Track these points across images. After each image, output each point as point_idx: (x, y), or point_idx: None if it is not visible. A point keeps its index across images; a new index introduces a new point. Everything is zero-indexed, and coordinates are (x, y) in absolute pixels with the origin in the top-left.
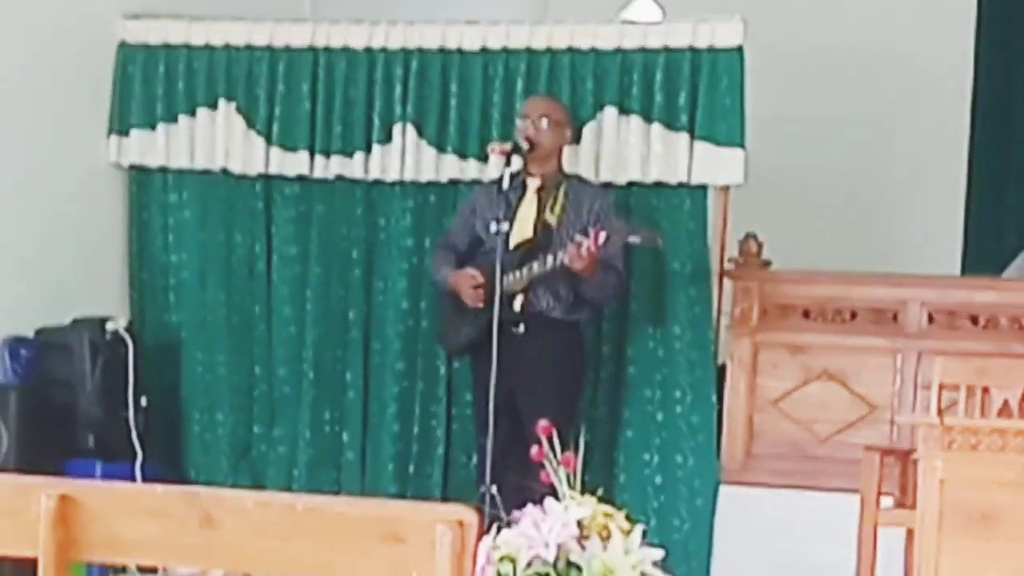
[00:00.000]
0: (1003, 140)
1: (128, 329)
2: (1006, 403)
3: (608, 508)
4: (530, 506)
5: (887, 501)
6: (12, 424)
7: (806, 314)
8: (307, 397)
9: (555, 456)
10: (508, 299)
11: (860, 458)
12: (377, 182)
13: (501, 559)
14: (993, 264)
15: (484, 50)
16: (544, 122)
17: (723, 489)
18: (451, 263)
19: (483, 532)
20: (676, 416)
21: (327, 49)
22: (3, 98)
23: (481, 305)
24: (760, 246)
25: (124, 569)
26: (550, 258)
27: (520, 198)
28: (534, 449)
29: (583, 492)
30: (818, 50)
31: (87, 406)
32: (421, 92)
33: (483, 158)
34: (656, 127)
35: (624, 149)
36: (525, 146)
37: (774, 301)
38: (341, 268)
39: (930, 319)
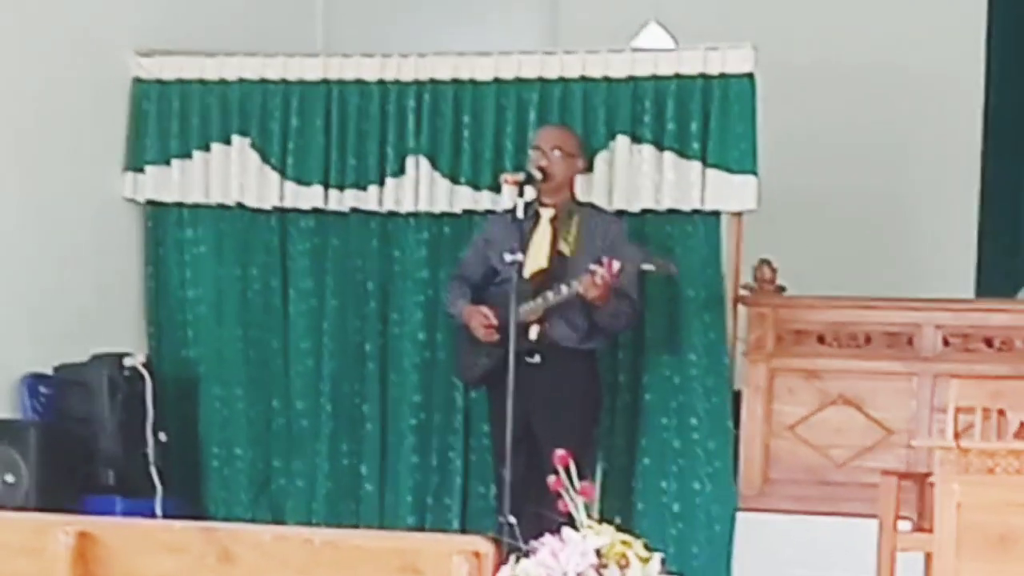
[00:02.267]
0: (1016, 162)
1: (146, 365)
2: (1022, 425)
3: (626, 536)
4: (548, 535)
5: (905, 525)
6: (32, 461)
7: (821, 339)
8: (325, 430)
9: (573, 485)
10: (523, 329)
11: (877, 482)
12: (391, 214)
13: None
14: (1007, 286)
15: (496, 80)
16: (556, 152)
17: (741, 515)
18: (466, 295)
19: (502, 562)
20: (693, 443)
21: (340, 82)
22: (19, 135)
23: (494, 341)
24: (774, 272)
25: None
26: (564, 287)
27: (534, 228)
28: (552, 478)
29: (601, 521)
30: (829, 73)
31: (106, 442)
32: (434, 124)
33: (496, 189)
34: (668, 155)
35: (637, 177)
36: (538, 176)
37: (789, 327)
38: (357, 300)
39: (945, 342)
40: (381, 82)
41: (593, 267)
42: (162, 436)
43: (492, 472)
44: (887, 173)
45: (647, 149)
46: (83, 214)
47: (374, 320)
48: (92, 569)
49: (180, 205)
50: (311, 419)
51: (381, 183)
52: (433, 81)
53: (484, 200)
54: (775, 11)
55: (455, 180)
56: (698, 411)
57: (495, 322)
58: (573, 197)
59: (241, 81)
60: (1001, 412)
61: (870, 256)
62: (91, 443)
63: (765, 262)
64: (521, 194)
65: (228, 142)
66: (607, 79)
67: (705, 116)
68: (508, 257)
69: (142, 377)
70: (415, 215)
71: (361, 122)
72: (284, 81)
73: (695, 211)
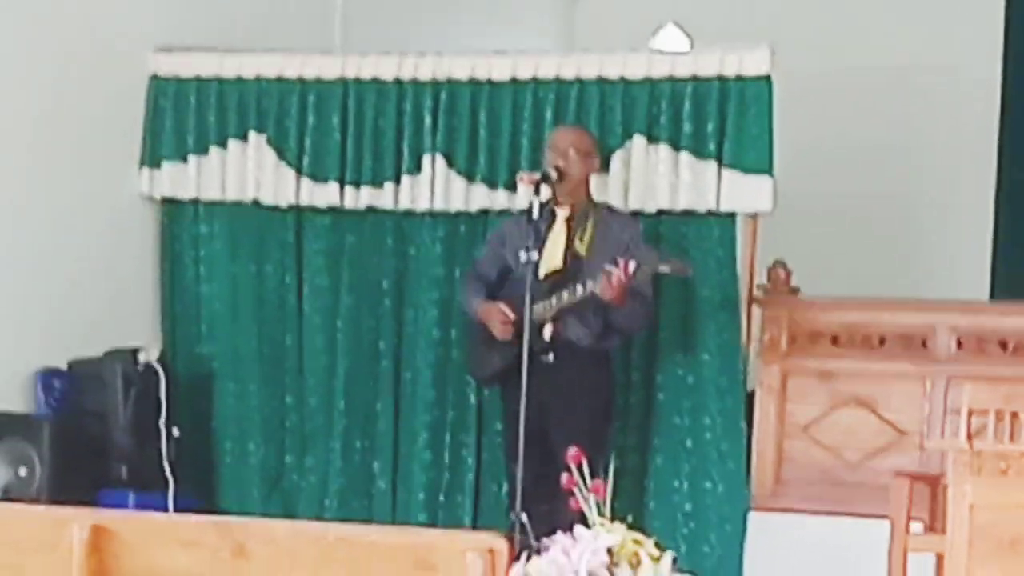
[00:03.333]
0: None
1: (160, 360)
2: None
3: (638, 535)
4: (560, 533)
5: (917, 526)
6: (45, 455)
7: (835, 340)
8: (338, 427)
9: (585, 483)
10: (538, 328)
11: (889, 484)
12: (407, 212)
13: None
14: (1022, 288)
15: (513, 80)
16: (572, 152)
17: (753, 515)
18: (481, 293)
19: (514, 559)
20: (706, 443)
21: (357, 81)
22: (37, 130)
23: (510, 338)
24: (789, 273)
25: None
26: (579, 287)
27: (549, 227)
28: (564, 477)
29: (613, 519)
30: (844, 75)
31: (120, 437)
32: (451, 123)
33: (512, 188)
34: (685, 155)
35: (653, 178)
36: (554, 176)
37: (803, 328)
38: (372, 298)
39: (959, 344)
40: (398, 81)
41: (608, 267)
42: (175, 431)
43: (504, 470)
44: (902, 175)
45: (663, 149)
46: (99, 210)
47: (389, 318)
48: (107, 563)
49: (196, 202)
50: (324, 416)
51: (397, 181)
52: (450, 80)
53: (500, 199)
54: (792, 14)
55: (471, 179)
56: (711, 411)
57: (512, 316)
58: (589, 197)
59: (258, 79)
60: (1014, 415)
61: (884, 258)
62: (104, 438)
63: (780, 263)
64: (537, 193)
65: (245, 139)
66: (624, 80)
67: (722, 117)
68: (523, 256)
69: (156, 372)
70: (431, 213)
71: (378, 120)
72: (301, 79)
73: (710, 212)
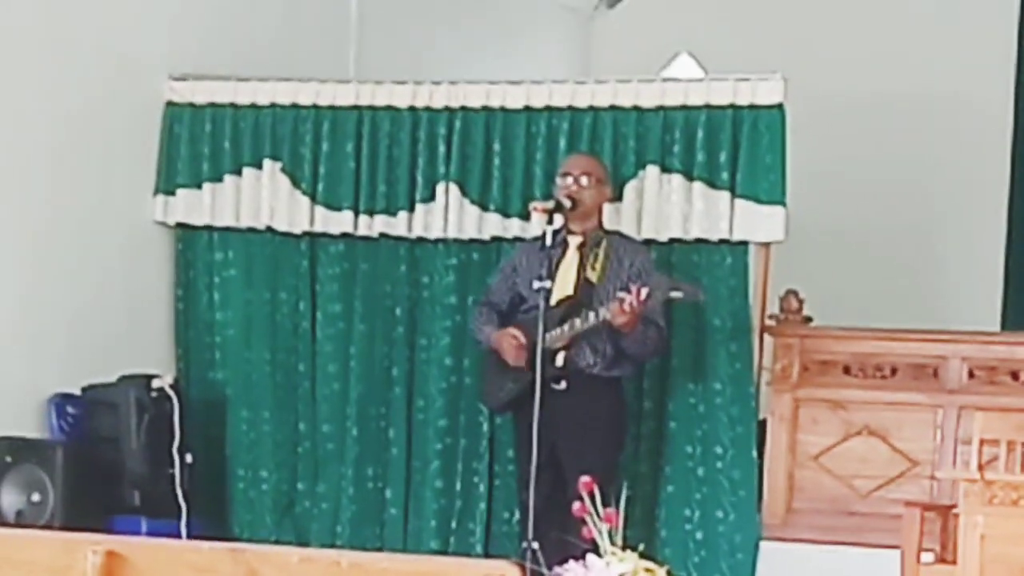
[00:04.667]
0: None
1: (174, 386)
2: None
3: (649, 563)
4: (572, 562)
5: (928, 557)
6: (58, 480)
7: (847, 370)
8: (351, 454)
9: (596, 511)
10: (550, 356)
11: (901, 513)
12: (420, 240)
13: None
14: None
15: (527, 109)
16: (585, 180)
17: (764, 544)
18: (493, 321)
19: None
20: (717, 471)
21: (371, 108)
22: (52, 157)
23: (523, 364)
24: (801, 302)
25: None
26: (592, 314)
27: (562, 255)
28: (576, 505)
29: (624, 547)
30: (856, 105)
31: (133, 463)
32: (464, 151)
33: (525, 216)
34: (698, 184)
35: (666, 206)
36: (567, 204)
37: (815, 357)
38: (385, 325)
39: (970, 375)
40: (412, 109)
41: (621, 294)
42: (188, 457)
43: (516, 497)
44: (914, 205)
45: (676, 179)
46: (114, 236)
47: (401, 345)
48: None
49: (210, 228)
50: (337, 442)
51: (411, 209)
52: (464, 108)
53: (513, 227)
54: (804, 43)
55: (484, 207)
56: (723, 440)
57: (524, 341)
58: (601, 225)
59: (273, 106)
60: None
61: (896, 288)
62: (117, 463)
63: (792, 292)
64: (550, 221)
65: (259, 166)
66: (637, 108)
67: (735, 146)
68: (536, 284)
69: (169, 398)
70: (444, 241)
71: (392, 148)
72: (316, 107)
73: (723, 241)
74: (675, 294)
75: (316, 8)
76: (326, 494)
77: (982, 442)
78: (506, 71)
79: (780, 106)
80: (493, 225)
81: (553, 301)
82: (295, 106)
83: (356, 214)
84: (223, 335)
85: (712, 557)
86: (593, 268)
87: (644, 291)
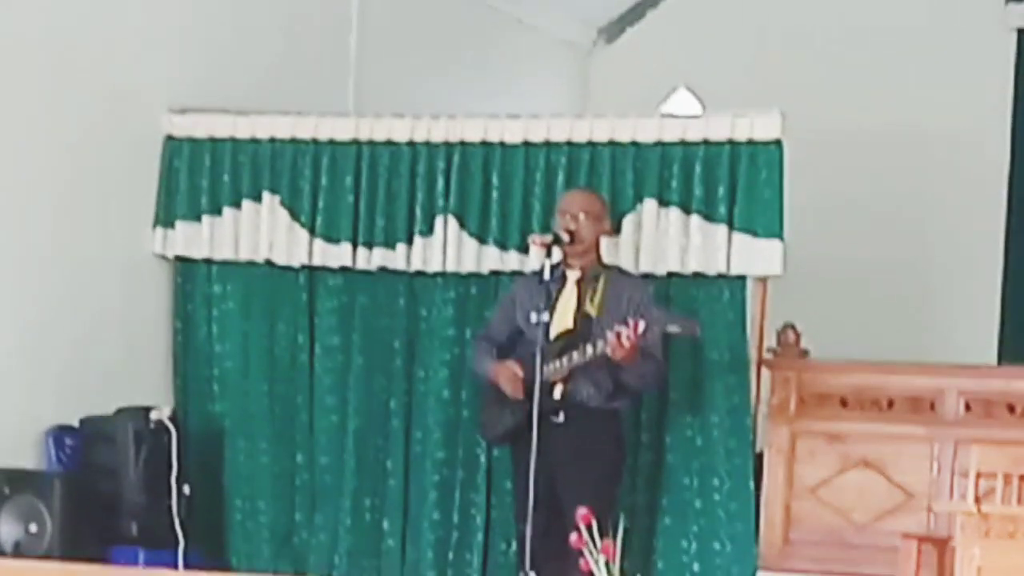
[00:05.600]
0: None
1: (172, 418)
2: None
3: None
4: None
5: None
6: (56, 512)
7: (844, 403)
8: (348, 485)
9: (594, 543)
10: (548, 388)
11: (898, 546)
12: (419, 273)
13: None
14: None
15: (526, 143)
16: (583, 215)
17: None
18: (492, 355)
19: None
20: (714, 503)
21: (370, 142)
22: (52, 189)
23: (521, 396)
24: (798, 336)
25: None
26: (590, 348)
27: (560, 289)
28: (573, 536)
29: None
30: (853, 140)
31: (130, 494)
32: (463, 184)
33: (524, 250)
34: (695, 219)
35: (663, 240)
36: (565, 238)
37: (812, 390)
38: (383, 358)
39: (967, 408)
40: (411, 143)
41: (619, 328)
42: (186, 488)
43: (514, 529)
44: (911, 239)
45: (674, 212)
46: (113, 268)
47: (399, 378)
48: None
49: (209, 261)
50: (334, 474)
51: (409, 242)
52: (463, 143)
53: (511, 261)
54: (802, 79)
55: (483, 240)
56: (720, 472)
57: (523, 374)
58: (599, 259)
59: (272, 140)
60: (1022, 478)
61: (893, 321)
62: (115, 495)
63: (789, 326)
64: (549, 255)
65: (258, 200)
66: (635, 143)
67: (732, 181)
68: (534, 317)
69: (168, 430)
70: (442, 274)
71: (391, 182)
72: (315, 140)
73: (721, 275)
74: (672, 329)
75: (315, 43)
76: (324, 525)
77: (979, 475)
78: (505, 105)
79: (778, 141)
80: (491, 258)
81: (552, 335)
82: (294, 140)
83: (355, 247)
84: (221, 367)
85: None
86: (592, 302)
87: (641, 325)
